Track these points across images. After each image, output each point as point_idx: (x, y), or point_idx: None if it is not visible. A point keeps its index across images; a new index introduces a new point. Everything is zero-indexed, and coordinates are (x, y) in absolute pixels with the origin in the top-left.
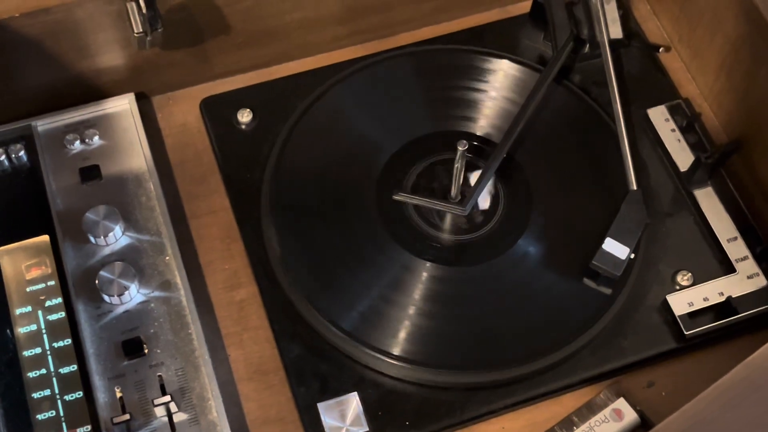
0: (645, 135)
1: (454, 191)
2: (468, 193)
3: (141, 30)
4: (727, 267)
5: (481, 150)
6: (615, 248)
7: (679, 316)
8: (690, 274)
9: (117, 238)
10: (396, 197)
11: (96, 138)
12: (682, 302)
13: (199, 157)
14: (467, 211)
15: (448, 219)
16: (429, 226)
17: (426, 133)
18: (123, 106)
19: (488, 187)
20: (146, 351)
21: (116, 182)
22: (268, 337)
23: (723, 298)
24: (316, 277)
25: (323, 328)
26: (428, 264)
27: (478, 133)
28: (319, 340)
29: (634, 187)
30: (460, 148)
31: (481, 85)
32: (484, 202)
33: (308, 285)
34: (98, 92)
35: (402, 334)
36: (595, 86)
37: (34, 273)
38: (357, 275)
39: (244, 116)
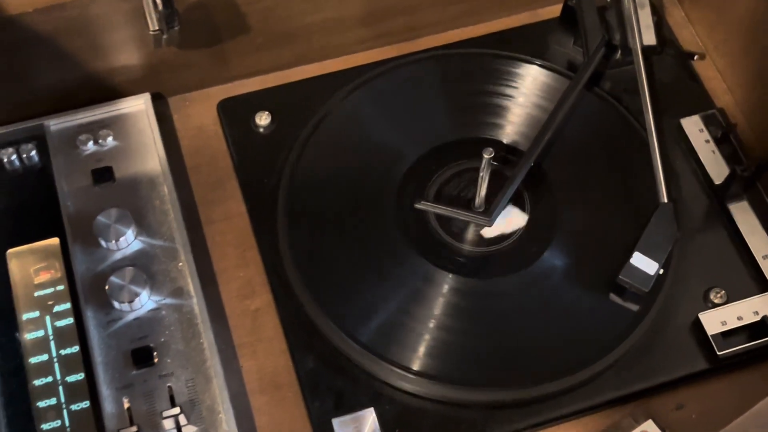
0: (677, 146)
1: (478, 201)
2: (493, 202)
3: (157, 28)
4: (762, 285)
5: (508, 158)
6: (643, 263)
7: (712, 336)
8: (723, 291)
9: (129, 242)
10: (418, 205)
11: (110, 139)
12: (714, 321)
13: (215, 161)
14: (492, 222)
15: (471, 229)
16: (451, 237)
17: (450, 140)
18: (138, 106)
19: (519, 209)
20: (156, 360)
21: (129, 185)
22: (282, 348)
23: (758, 318)
24: (333, 287)
25: (339, 340)
26: (450, 276)
27: (505, 141)
28: (335, 353)
29: (665, 200)
30: (485, 156)
31: (509, 91)
32: (517, 220)
33: (324, 296)
34: (113, 92)
35: (421, 349)
36: (627, 94)
37: (43, 277)
38: (375, 286)
39: (263, 119)
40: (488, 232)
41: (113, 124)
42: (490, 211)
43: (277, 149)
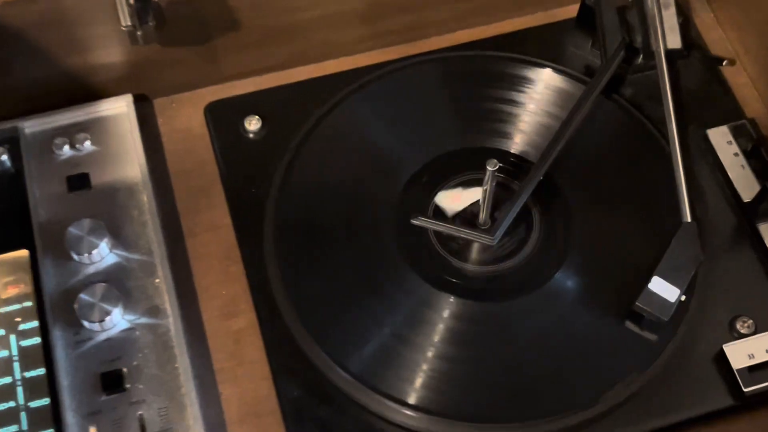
0: (703, 159)
1: (482, 217)
2: (497, 219)
3: (129, 23)
4: None
5: (516, 170)
6: (663, 288)
7: (738, 370)
8: (751, 321)
9: (103, 255)
10: (414, 222)
11: (87, 143)
12: (741, 353)
13: (201, 168)
14: (496, 240)
15: (475, 248)
16: (453, 256)
17: (454, 149)
18: (120, 108)
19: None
20: (127, 386)
21: (107, 193)
22: (265, 373)
23: None
24: (322, 309)
25: (327, 367)
26: (451, 299)
27: (513, 151)
28: (322, 380)
29: (689, 219)
30: (489, 169)
31: (518, 97)
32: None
33: (312, 318)
34: (93, 92)
35: (418, 380)
36: (649, 102)
37: (10, 292)
38: (369, 309)
39: (252, 124)
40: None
41: (92, 128)
42: (493, 229)
43: (268, 156)
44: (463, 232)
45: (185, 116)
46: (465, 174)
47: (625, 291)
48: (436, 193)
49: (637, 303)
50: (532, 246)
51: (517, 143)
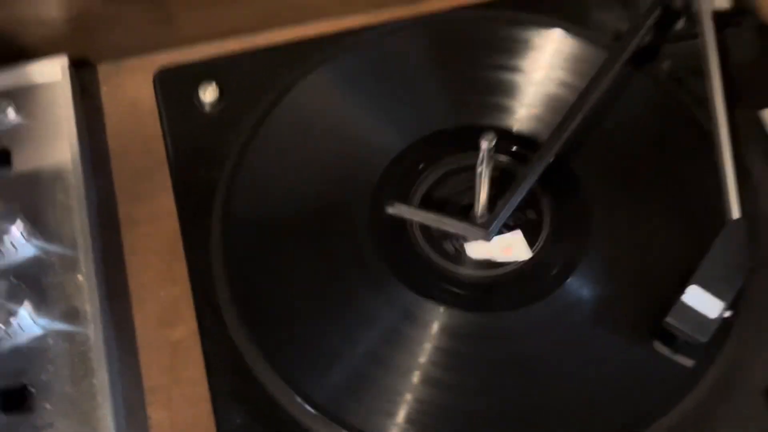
0: (756, 145)
1: (478, 208)
2: (496, 210)
3: None
4: None
5: (522, 152)
6: (702, 302)
7: None
8: None
9: (16, 246)
10: (390, 210)
11: (11, 113)
12: None
13: (147, 147)
14: (491, 236)
15: (471, 246)
16: (442, 257)
17: (444, 129)
18: (52, 73)
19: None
20: (32, 405)
21: (30, 174)
22: (206, 395)
23: None
24: (280, 321)
25: (283, 395)
26: (441, 309)
27: (516, 129)
28: (276, 411)
29: (736, 216)
30: (484, 145)
31: (522, 64)
32: (519, 250)
33: (266, 332)
34: (21, 51)
35: (400, 412)
36: (691, 75)
37: None
38: (338, 323)
39: (209, 94)
40: (474, 251)
41: (18, 95)
42: (488, 222)
43: (224, 134)
44: (450, 224)
45: (133, 85)
46: (458, 158)
47: (654, 304)
48: (422, 180)
49: (667, 319)
50: (541, 245)
51: (520, 119)
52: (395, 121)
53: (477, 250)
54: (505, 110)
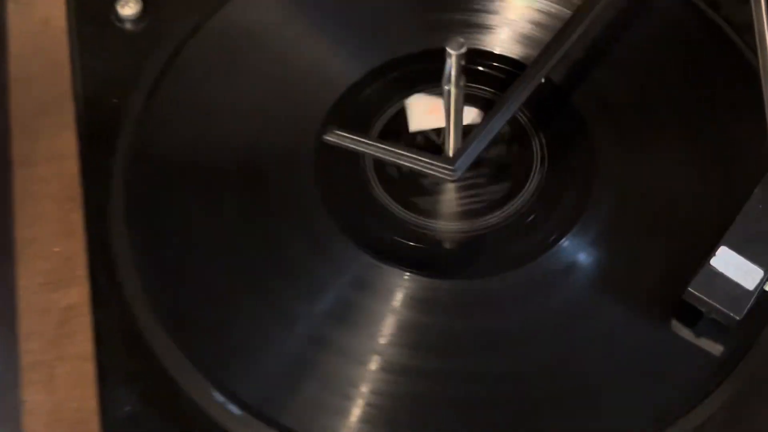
0: None
1: (449, 142)
2: (466, 142)
3: None
4: None
5: (504, 77)
6: (735, 268)
7: None
8: None
9: None
10: (328, 137)
11: None
12: None
13: (56, 74)
14: (457, 173)
15: (444, 196)
16: (407, 210)
17: (408, 53)
18: None
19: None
20: None
21: None
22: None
23: None
24: (193, 291)
25: (195, 388)
26: (405, 276)
27: (498, 51)
28: (183, 404)
29: None
30: (453, 54)
31: None
32: None
33: (174, 303)
34: None
35: (355, 410)
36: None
37: None
38: (270, 295)
39: (128, 7)
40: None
41: None
42: (455, 155)
43: (143, 58)
44: (406, 157)
45: (44, 2)
46: (425, 87)
47: (675, 271)
48: (380, 118)
49: (690, 288)
50: (531, 193)
51: (503, 40)
52: (349, 44)
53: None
54: (485, 29)
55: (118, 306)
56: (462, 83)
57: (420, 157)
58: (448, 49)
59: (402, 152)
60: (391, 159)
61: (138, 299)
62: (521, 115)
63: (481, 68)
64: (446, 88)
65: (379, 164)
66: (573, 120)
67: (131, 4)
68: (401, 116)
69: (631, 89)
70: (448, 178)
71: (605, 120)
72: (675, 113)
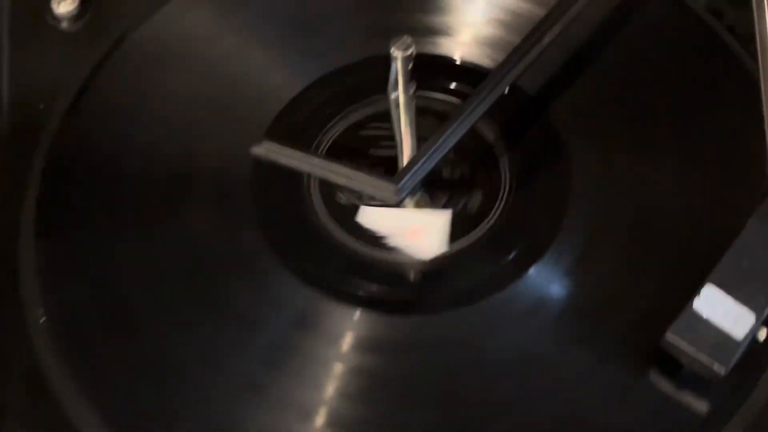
0: None
1: (402, 160)
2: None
3: None
4: None
5: (469, 87)
6: (722, 311)
7: None
8: None
9: None
10: (256, 150)
11: None
12: None
13: None
14: (402, 195)
15: (366, 210)
16: (358, 237)
17: (353, 62)
18: None
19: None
20: None
21: None
22: None
23: None
24: (109, 329)
25: None
26: (356, 313)
27: (460, 59)
28: None
29: None
30: (398, 55)
31: None
32: (431, 228)
33: (86, 344)
34: None
35: None
36: (731, 7)
37: None
38: (198, 336)
39: (64, 5)
40: (366, 216)
41: None
42: (399, 174)
43: (83, 58)
44: (344, 174)
45: None
46: (375, 100)
47: (656, 311)
48: (327, 132)
49: (667, 336)
50: (498, 217)
51: (465, 44)
52: (292, 53)
53: (371, 216)
54: (443, 33)
55: (20, 338)
56: (412, 90)
57: (358, 176)
58: (393, 51)
59: (338, 169)
60: (326, 176)
61: (42, 331)
62: (487, 128)
63: (440, 77)
64: (393, 96)
65: (327, 185)
66: (547, 135)
67: (67, 2)
68: (352, 131)
69: (613, 101)
70: (391, 200)
71: (583, 135)
72: (663, 128)
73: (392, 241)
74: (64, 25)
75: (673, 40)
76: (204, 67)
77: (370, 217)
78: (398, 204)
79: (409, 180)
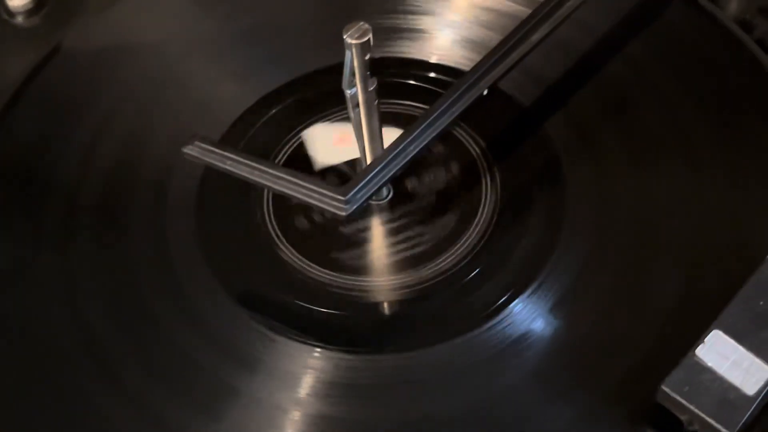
0: None
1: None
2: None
3: None
4: None
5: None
6: (730, 362)
7: None
8: None
9: None
10: (186, 150)
11: None
12: None
13: None
14: (350, 208)
15: (364, 245)
16: (315, 263)
17: (320, 67)
18: None
19: None
20: None
21: None
22: None
23: None
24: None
25: None
26: (315, 352)
27: (435, 61)
28: None
29: None
30: (352, 42)
31: None
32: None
33: None
34: None
35: None
36: (762, 16)
37: None
38: (127, 383)
39: None
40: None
41: None
42: (348, 185)
43: (39, 54)
44: (287, 182)
45: None
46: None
47: (654, 358)
48: (288, 143)
49: (663, 387)
50: (476, 240)
51: (442, 46)
52: (244, 62)
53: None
54: (417, 34)
55: None
56: (373, 86)
57: (302, 184)
58: (347, 39)
59: (281, 175)
60: (266, 184)
61: None
62: (468, 138)
63: (413, 82)
64: (349, 92)
65: (281, 203)
66: (538, 147)
67: None
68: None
69: (613, 111)
70: (339, 213)
71: (579, 149)
72: (671, 143)
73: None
74: (19, 20)
75: (675, 36)
76: (147, 74)
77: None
78: (348, 215)
79: (361, 191)
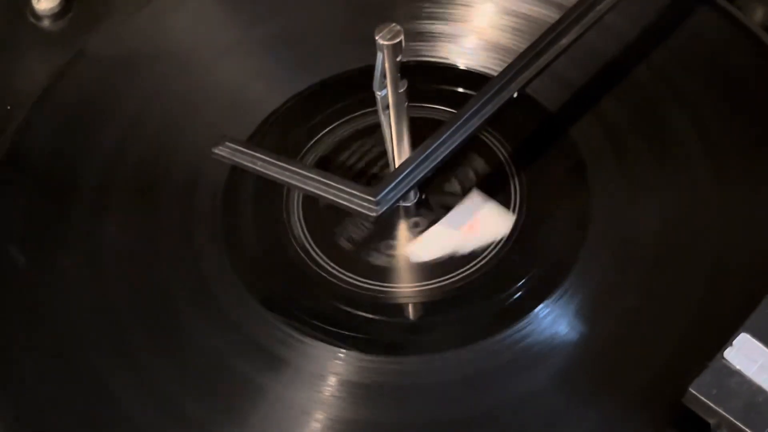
0: None
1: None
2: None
3: None
4: None
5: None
6: (759, 364)
7: None
8: None
9: None
10: (216, 151)
11: None
12: None
13: None
14: (381, 209)
15: (413, 245)
16: (341, 265)
17: (349, 68)
18: None
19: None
20: None
21: None
22: None
23: None
24: (49, 377)
25: None
26: (340, 353)
27: (462, 65)
28: None
29: None
30: (384, 44)
31: None
32: (492, 224)
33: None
34: None
35: None
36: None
37: None
38: (153, 379)
39: (45, 2)
40: (419, 249)
41: None
42: (378, 186)
43: (59, 55)
44: (317, 183)
45: None
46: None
47: (682, 362)
48: (315, 143)
49: (691, 390)
50: (503, 245)
51: (471, 50)
52: (275, 61)
53: (425, 245)
54: (443, 38)
55: None
56: (403, 89)
57: (332, 184)
58: (379, 40)
59: (310, 175)
60: (295, 184)
61: None
62: (495, 142)
63: (440, 86)
64: (380, 93)
65: (310, 204)
66: (563, 152)
67: None
68: (341, 150)
69: (639, 117)
70: (369, 213)
71: (605, 154)
72: (696, 149)
73: (461, 251)
74: (45, 23)
75: (704, 45)
76: (180, 73)
77: (421, 252)
78: (378, 216)
79: (392, 192)
